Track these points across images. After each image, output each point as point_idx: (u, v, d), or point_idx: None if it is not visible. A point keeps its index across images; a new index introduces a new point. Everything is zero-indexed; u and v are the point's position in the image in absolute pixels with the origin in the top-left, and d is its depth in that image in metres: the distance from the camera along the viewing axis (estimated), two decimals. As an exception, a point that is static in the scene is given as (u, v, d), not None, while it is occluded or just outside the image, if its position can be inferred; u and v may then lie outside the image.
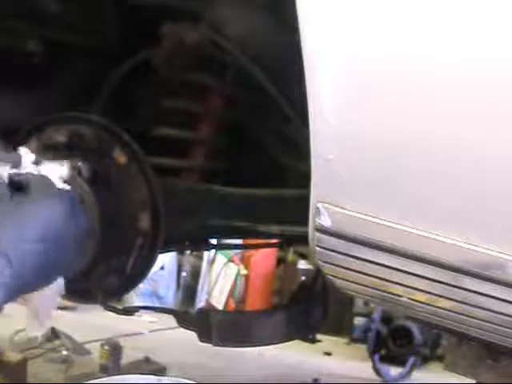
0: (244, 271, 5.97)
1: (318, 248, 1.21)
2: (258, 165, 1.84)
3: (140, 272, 1.66)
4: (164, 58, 1.63)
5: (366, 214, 1.08)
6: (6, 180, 1.23)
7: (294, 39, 1.03)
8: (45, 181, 1.33)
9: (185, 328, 1.93)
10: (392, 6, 0.96)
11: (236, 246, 3.79)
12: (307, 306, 2.10)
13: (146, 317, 4.96)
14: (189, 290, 6.11)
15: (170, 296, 6.07)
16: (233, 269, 5.95)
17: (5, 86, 1.72)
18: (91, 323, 4.44)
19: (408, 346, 4.40)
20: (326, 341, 4.89)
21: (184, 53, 1.61)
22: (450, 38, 0.94)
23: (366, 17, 0.97)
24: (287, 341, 2.02)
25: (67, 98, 1.83)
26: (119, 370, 3.27)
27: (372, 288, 1.32)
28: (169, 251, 2.54)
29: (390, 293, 1.29)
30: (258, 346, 2.02)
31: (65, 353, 3.65)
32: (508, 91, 0.92)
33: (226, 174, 1.81)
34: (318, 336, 4.71)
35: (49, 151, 1.58)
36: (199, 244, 2.33)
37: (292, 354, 4.25)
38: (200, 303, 5.95)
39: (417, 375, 4.40)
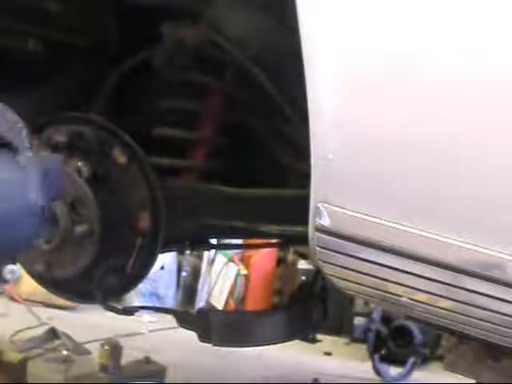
0: (244, 271, 5.96)
1: (318, 248, 1.21)
2: (258, 165, 1.84)
3: (140, 272, 1.66)
4: (164, 58, 1.63)
5: (366, 214, 1.08)
6: None
7: (293, 39, 1.03)
8: None
9: (185, 328, 1.93)
10: (391, 7, 0.96)
11: (236, 246, 3.79)
12: (307, 306, 2.09)
13: (146, 317, 4.96)
14: (189, 290, 6.11)
15: (170, 296, 6.07)
16: (233, 269, 5.94)
17: (5, 85, 1.72)
18: (91, 323, 4.44)
19: (408, 346, 4.40)
20: (326, 341, 4.88)
21: (184, 53, 1.61)
22: (449, 39, 0.94)
23: (366, 18, 0.97)
24: (287, 341, 2.02)
25: (67, 97, 1.83)
26: (119, 370, 3.26)
27: (372, 288, 1.32)
28: (169, 251, 2.54)
29: (390, 293, 1.29)
30: (258, 345, 2.02)
31: (65, 353, 3.65)
32: (507, 92, 0.92)
33: (226, 174, 1.81)
34: (318, 336, 4.69)
35: (49, 151, 1.58)
36: (199, 244, 2.33)
37: (292, 354, 4.25)
38: (200, 303, 5.95)
39: (417, 375, 4.39)
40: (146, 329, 4.81)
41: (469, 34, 0.92)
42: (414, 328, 4.36)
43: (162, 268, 5.85)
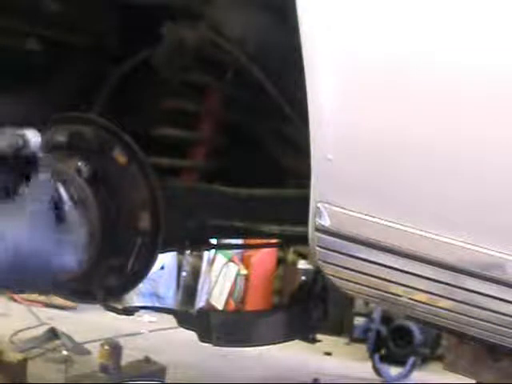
0: (244, 271, 5.96)
1: (318, 248, 1.21)
2: (257, 165, 1.84)
3: (140, 272, 1.66)
4: (164, 58, 1.63)
5: (366, 214, 1.08)
6: None
7: (293, 39, 1.03)
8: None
9: (185, 328, 1.93)
10: (392, 8, 0.96)
11: (236, 246, 3.79)
12: (307, 306, 2.09)
13: (146, 317, 4.96)
14: (189, 290, 6.11)
15: (170, 296, 6.07)
16: (233, 269, 5.94)
17: (5, 85, 1.72)
18: (91, 323, 4.44)
19: (408, 346, 4.40)
20: (326, 341, 4.87)
21: (184, 53, 1.61)
22: (449, 40, 0.94)
23: (366, 18, 0.97)
24: (287, 341, 2.02)
25: (67, 97, 1.83)
26: (119, 370, 3.26)
27: (372, 288, 1.32)
28: (169, 251, 2.54)
29: (390, 293, 1.29)
30: (258, 345, 2.02)
31: (65, 353, 3.65)
32: (507, 92, 0.92)
33: (226, 174, 1.81)
34: (318, 336, 4.69)
35: (49, 151, 1.58)
36: (199, 244, 2.33)
37: (292, 354, 4.24)
38: (200, 303, 5.95)
39: (417, 375, 4.39)
40: (146, 329, 4.81)
41: (468, 34, 0.92)
42: (414, 328, 4.36)
43: (162, 268, 5.85)
